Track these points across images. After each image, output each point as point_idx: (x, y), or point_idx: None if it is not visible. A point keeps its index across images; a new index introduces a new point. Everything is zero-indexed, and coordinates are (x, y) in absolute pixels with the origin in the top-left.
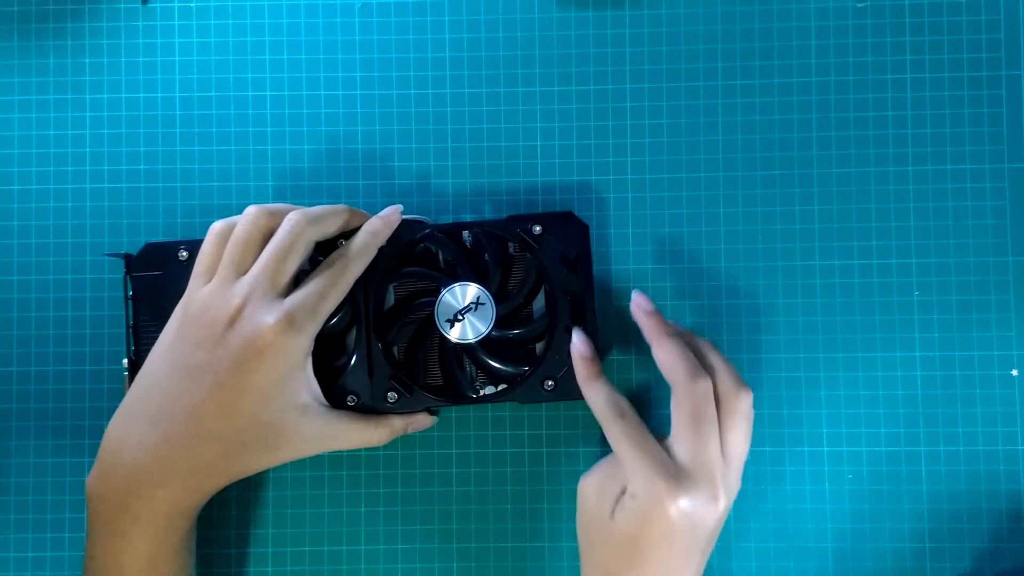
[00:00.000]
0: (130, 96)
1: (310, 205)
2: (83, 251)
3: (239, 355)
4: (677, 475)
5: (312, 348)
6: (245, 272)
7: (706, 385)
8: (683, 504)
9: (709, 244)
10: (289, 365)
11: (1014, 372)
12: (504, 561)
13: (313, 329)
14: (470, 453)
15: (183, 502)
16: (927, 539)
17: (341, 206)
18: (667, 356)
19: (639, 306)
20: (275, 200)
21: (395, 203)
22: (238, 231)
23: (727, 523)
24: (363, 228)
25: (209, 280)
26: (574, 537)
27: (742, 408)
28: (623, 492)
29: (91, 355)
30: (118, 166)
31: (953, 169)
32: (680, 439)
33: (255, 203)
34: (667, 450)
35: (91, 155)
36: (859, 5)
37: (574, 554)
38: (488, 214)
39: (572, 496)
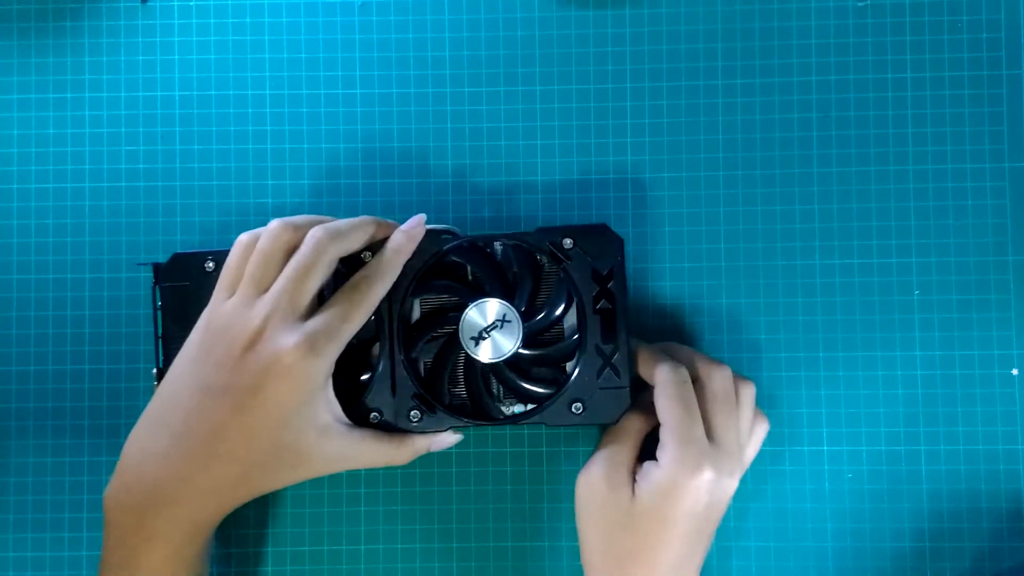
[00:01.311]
0: (129, 95)
1: (309, 205)
2: (82, 250)
3: (258, 379)
4: (708, 449)
5: (333, 369)
6: (266, 289)
7: (729, 371)
8: (709, 476)
9: (709, 244)
10: (309, 389)
11: (1014, 371)
12: (504, 561)
13: (334, 352)
14: (470, 453)
15: (201, 519)
16: (927, 538)
17: (366, 218)
18: (688, 355)
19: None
20: (274, 199)
21: (394, 201)
22: (260, 247)
23: (727, 522)
24: (387, 246)
25: (232, 295)
26: (574, 537)
27: (748, 396)
28: (635, 474)
29: (90, 354)
30: (117, 165)
31: (953, 168)
32: (708, 418)
33: (254, 201)
34: None
35: (90, 154)
36: (859, 4)
37: (574, 554)
38: (487, 214)
39: (572, 496)
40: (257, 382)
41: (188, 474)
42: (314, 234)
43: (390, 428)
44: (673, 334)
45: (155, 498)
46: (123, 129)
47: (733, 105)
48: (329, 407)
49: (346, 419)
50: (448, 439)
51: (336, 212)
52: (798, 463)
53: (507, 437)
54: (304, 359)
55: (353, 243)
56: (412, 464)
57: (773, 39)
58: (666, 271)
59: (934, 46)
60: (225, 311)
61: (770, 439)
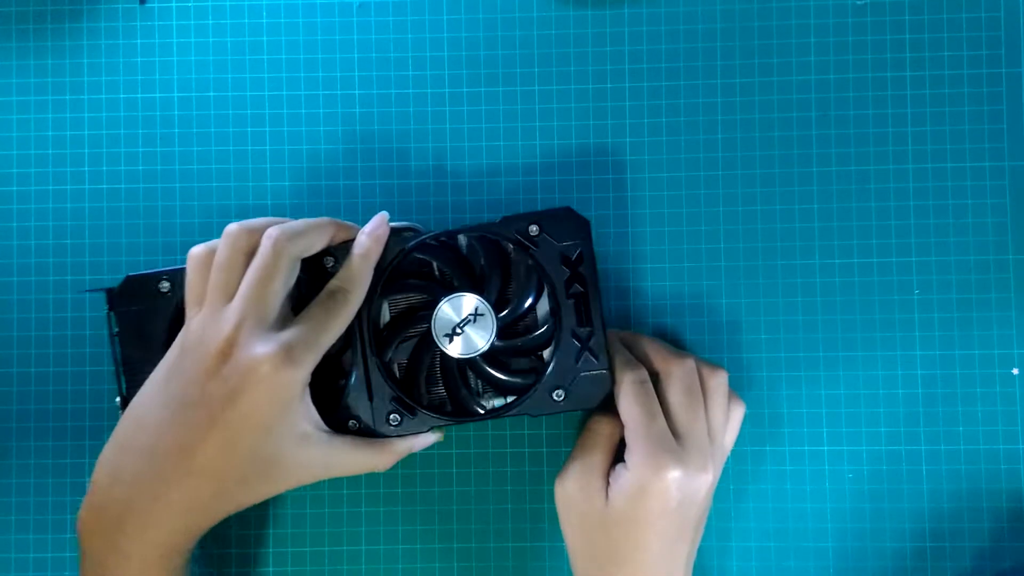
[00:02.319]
0: (128, 96)
1: (310, 204)
2: (82, 252)
3: (233, 389)
4: (673, 447)
5: (310, 379)
6: (232, 296)
7: (692, 363)
8: (676, 474)
9: (709, 244)
10: (287, 398)
11: (1015, 371)
12: (504, 561)
13: (312, 361)
14: (470, 453)
15: (175, 541)
16: (928, 538)
17: (324, 219)
18: (649, 346)
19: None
20: (273, 200)
21: (394, 202)
22: (220, 255)
23: (727, 522)
24: (353, 252)
25: (199, 311)
26: None
27: (720, 385)
28: (607, 479)
29: (91, 356)
30: (117, 167)
31: (953, 167)
32: (672, 414)
33: (254, 202)
34: None
35: (90, 156)
36: (859, 3)
37: None
38: (487, 213)
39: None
40: (232, 392)
41: (160, 494)
42: (270, 234)
43: (369, 434)
44: (673, 334)
45: (126, 520)
46: (122, 131)
47: (732, 104)
48: (308, 415)
49: (325, 427)
50: (428, 438)
51: (335, 213)
52: (798, 463)
53: (507, 438)
54: (281, 368)
55: (312, 242)
56: (412, 465)
57: (772, 38)
58: (666, 271)
59: (934, 45)
60: (194, 326)
61: (770, 439)
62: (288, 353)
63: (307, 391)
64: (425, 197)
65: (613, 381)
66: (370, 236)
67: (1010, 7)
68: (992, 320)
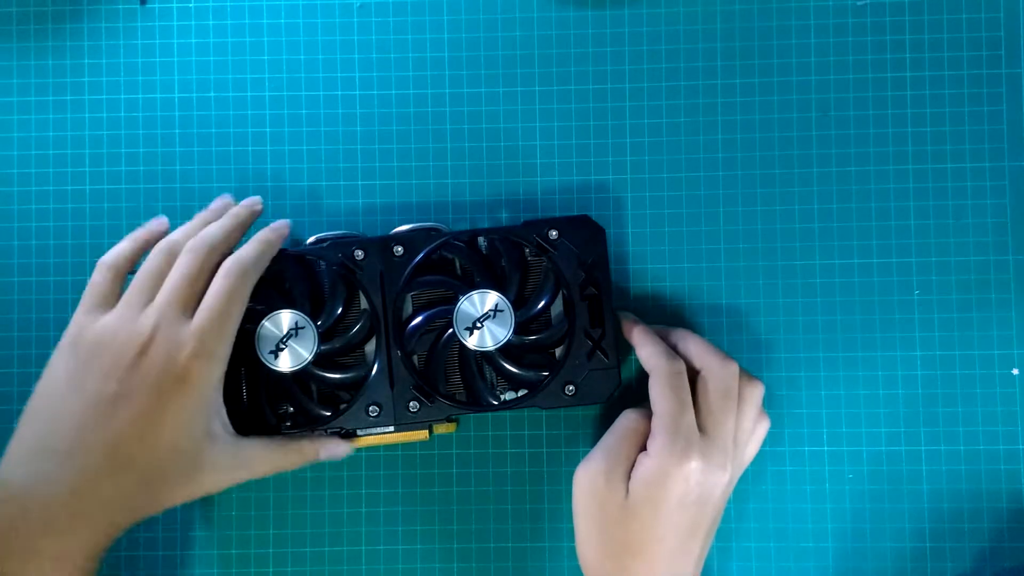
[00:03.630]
0: (129, 97)
1: (310, 204)
2: (83, 252)
3: (156, 382)
4: (698, 440)
5: (224, 375)
6: (150, 301)
7: (736, 368)
8: (697, 465)
9: (709, 244)
10: (205, 392)
11: (1015, 371)
12: (504, 561)
13: (224, 351)
14: (470, 453)
15: (98, 541)
16: (928, 539)
17: (228, 211)
18: (697, 346)
19: (637, 326)
20: (274, 201)
21: (394, 203)
22: (150, 263)
23: (727, 523)
24: (255, 237)
25: (105, 312)
26: (574, 537)
27: (755, 396)
28: (630, 471)
29: None
30: (117, 167)
31: (953, 167)
32: (703, 411)
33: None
34: None
35: (90, 156)
36: (859, 4)
37: (575, 555)
38: (486, 213)
39: (572, 496)
40: (155, 386)
41: (85, 489)
42: (192, 244)
43: (386, 423)
44: None
45: (51, 523)
46: (123, 131)
47: (732, 105)
48: (219, 414)
49: (231, 428)
50: (338, 449)
51: (335, 214)
52: (798, 463)
53: (507, 438)
54: (199, 359)
55: (230, 242)
56: (412, 465)
57: (772, 39)
58: (666, 271)
59: (934, 45)
60: (104, 325)
61: (770, 439)
62: (203, 345)
63: (220, 390)
64: (425, 197)
65: (619, 381)
66: (272, 231)
67: (1010, 8)
68: (992, 320)
